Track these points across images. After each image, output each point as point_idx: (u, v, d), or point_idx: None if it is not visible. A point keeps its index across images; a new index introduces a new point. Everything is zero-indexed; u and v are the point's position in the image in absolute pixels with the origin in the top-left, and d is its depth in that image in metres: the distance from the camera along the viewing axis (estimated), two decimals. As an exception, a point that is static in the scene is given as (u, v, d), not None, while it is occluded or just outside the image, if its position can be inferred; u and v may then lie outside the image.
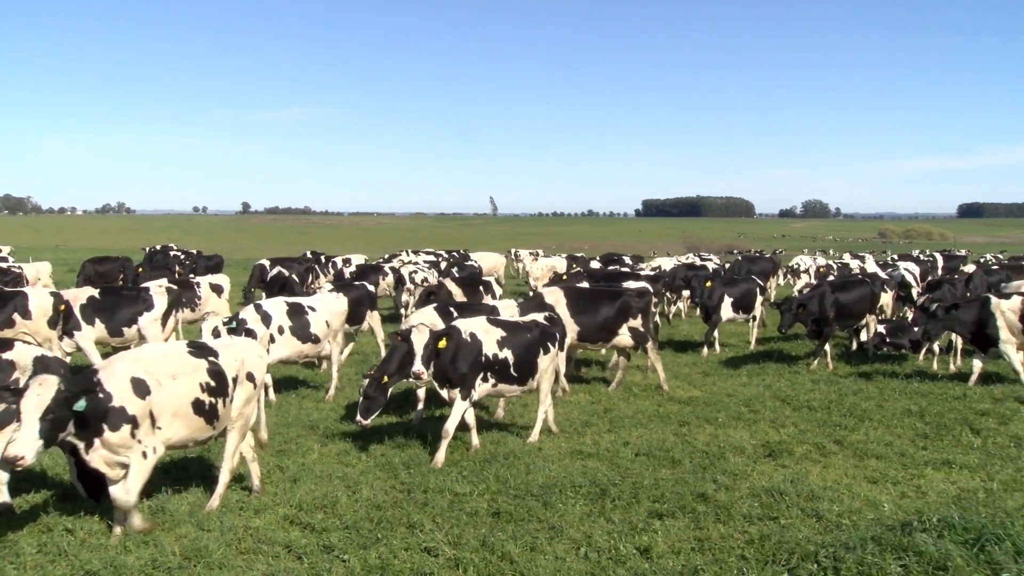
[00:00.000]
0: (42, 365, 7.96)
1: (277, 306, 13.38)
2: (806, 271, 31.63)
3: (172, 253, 40.88)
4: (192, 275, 34.79)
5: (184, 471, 9.50)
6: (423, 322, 10.74)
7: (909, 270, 22.87)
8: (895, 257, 41.31)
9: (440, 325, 11.29)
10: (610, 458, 10.21)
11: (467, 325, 10.58)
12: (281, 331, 13.05)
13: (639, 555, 7.07)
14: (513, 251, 47.69)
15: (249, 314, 12.84)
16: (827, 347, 16.85)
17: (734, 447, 10.65)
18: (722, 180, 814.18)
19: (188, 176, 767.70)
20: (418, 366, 9.88)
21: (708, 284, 18.87)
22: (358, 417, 10.26)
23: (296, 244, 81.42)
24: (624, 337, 14.32)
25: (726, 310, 18.84)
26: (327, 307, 14.05)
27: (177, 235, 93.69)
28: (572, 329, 13.80)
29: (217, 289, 19.63)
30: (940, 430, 11.28)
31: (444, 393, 10.30)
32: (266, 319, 12.89)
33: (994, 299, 14.26)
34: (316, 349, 13.74)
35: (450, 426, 10.04)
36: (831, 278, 23.33)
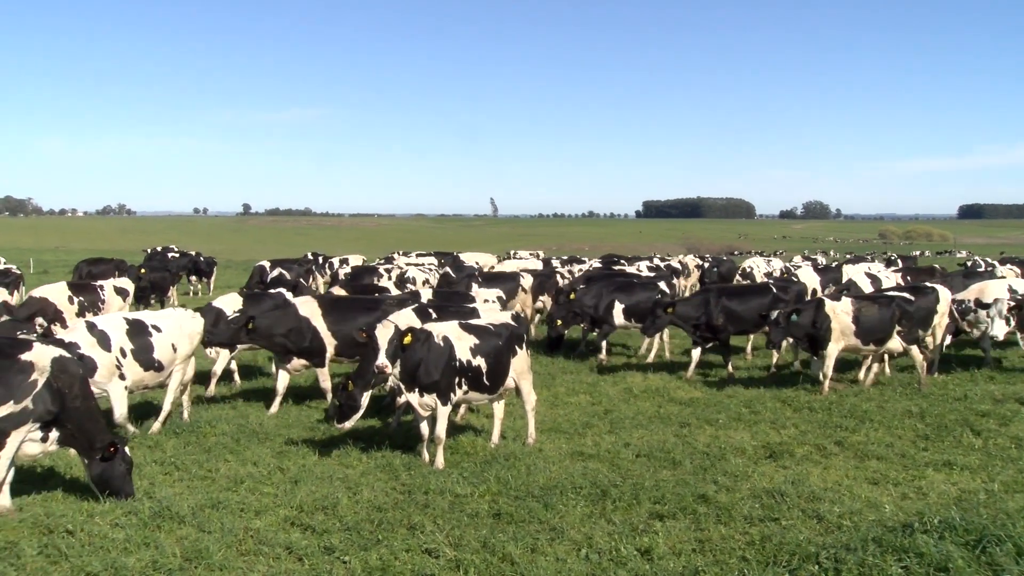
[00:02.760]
0: (60, 366, 7.97)
1: (115, 324, 10.96)
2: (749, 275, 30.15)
3: (171, 255, 40.95)
4: (189, 276, 35.16)
5: (185, 472, 9.51)
6: (392, 320, 10.64)
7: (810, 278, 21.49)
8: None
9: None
10: (611, 459, 10.20)
11: (440, 329, 10.37)
12: (124, 354, 10.69)
13: (640, 556, 7.07)
14: (512, 252, 47.66)
15: (81, 336, 10.43)
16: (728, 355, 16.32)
17: (735, 448, 10.65)
18: (723, 181, 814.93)
19: (189, 177, 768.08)
20: (382, 359, 9.64)
21: (572, 296, 17.90)
22: (335, 422, 10.20)
23: (297, 245, 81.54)
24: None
25: (618, 317, 18.03)
26: (176, 326, 11.63)
27: (177, 236, 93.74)
28: (330, 343, 12.93)
29: (122, 292, 19.25)
30: (941, 431, 11.27)
31: (413, 397, 9.95)
32: (104, 341, 10.52)
33: (828, 302, 14.31)
34: (157, 379, 11.26)
35: (440, 431, 9.94)
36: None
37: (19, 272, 27.62)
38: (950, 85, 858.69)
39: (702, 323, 16.12)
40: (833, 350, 13.97)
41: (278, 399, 12.84)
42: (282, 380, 12.89)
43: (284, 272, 27.11)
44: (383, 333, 9.77)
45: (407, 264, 30.00)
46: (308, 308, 13.07)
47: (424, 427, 10.07)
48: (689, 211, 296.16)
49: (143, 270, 28.92)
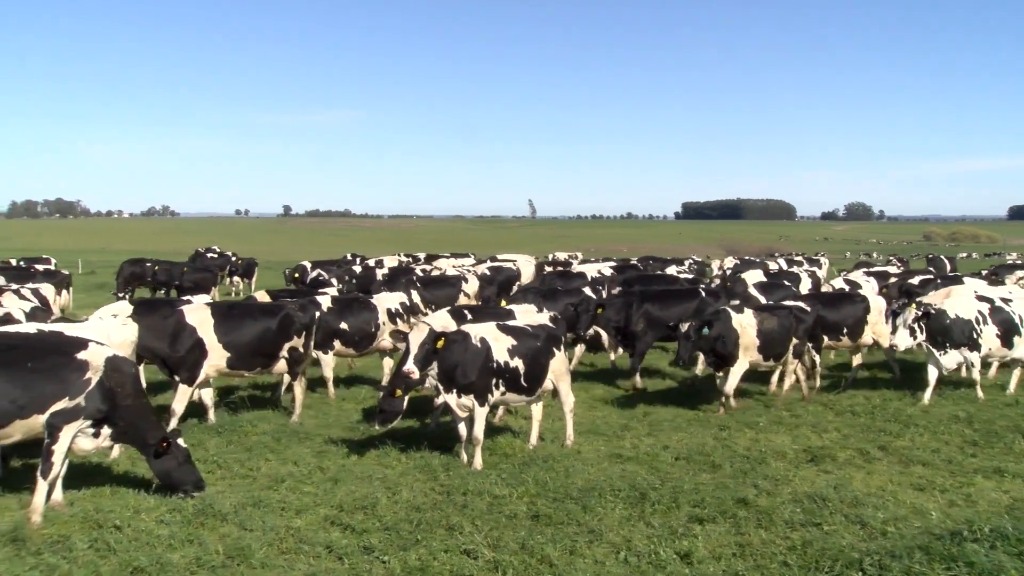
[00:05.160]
0: (113, 365, 8.15)
1: None
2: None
3: (211, 255, 41.68)
4: (231, 277, 35.79)
5: (227, 470, 9.64)
6: (427, 322, 10.65)
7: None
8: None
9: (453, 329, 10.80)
10: (649, 462, 10.15)
11: (477, 330, 10.35)
12: None
13: (679, 560, 7.02)
14: (551, 255, 47.56)
15: None
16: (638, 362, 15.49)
17: (775, 452, 10.52)
18: (763, 183, 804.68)
19: (231, 179, 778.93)
20: (409, 364, 9.64)
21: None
22: (376, 424, 10.13)
23: (335, 247, 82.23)
24: (282, 362, 12.32)
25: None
26: (104, 337, 9.85)
27: (219, 238, 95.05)
28: (220, 355, 11.54)
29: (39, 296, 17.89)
30: (990, 437, 11.01)
31: (451, 399, 9.92)
32: None
33: (733, 314, 13.19)
34: None
35: (478, 432, 9.94)
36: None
37: (67, 273, 28.24)
38: (1000, 83, 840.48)
39: (621, 326, 15.45)
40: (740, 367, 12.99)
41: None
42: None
43: (323, 273, 27.39)
44: (415, 336, 9.81)
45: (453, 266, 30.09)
46: (196, 316, 11.61)
47: (462, 428, 10.09)
48: (728, 213, 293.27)
49: (185, 270, 29.58)
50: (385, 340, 14.43)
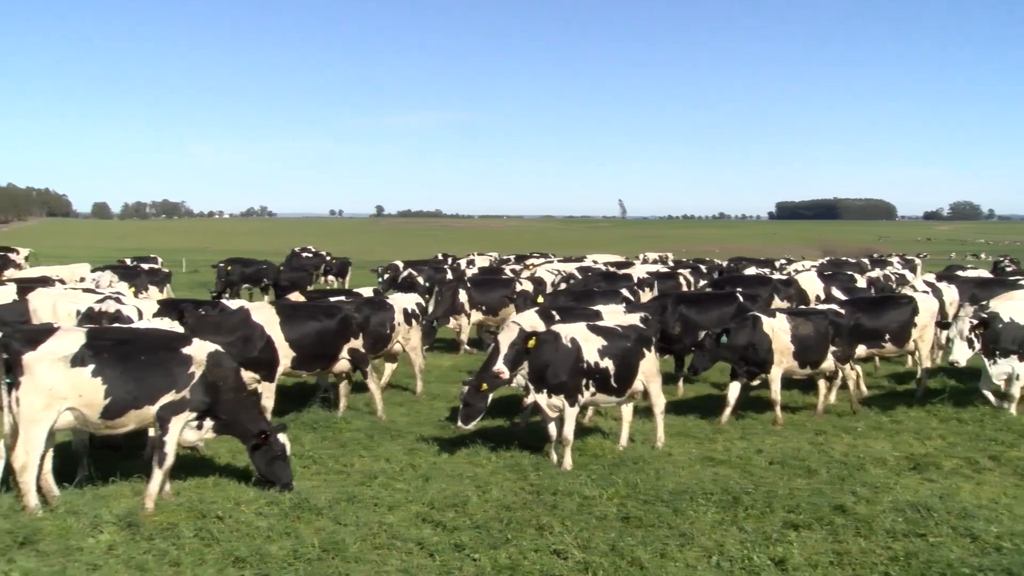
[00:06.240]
0: (215, 360, 8.52)
1: None
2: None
3: (305, 255, 42.94)
4: (325, 276, 36.80)
5: (322, 465, 9.89)
6: (517, 322, 10.63)
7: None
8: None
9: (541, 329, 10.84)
10: (742, 466, 9.96)
11: (568, 331, 10.34)
12: None
13: (774, 566, 6.88)
14: (641, 256, 47.16)
15: None
16: None
17: (874, 458, 10.18)
18: (861, 182, 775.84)
19: (325, 180, 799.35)
20: (499, 365, 9.70)
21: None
22: (459, 422, 10.14)
23: (426, 246, 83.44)
24: (344, 362, 12.42)
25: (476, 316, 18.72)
26: None
27: (314, 238, 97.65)
28: (287, 355, 11.61)
29: None
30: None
31: (541, 398, 9.95)
32: None
33: (765, 319, 12.50)
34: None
35: (568, 432, 9.93)
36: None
37: (167, 271, 29.51)
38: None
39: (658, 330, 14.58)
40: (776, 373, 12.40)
41: None
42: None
43: (414, 273, 27.84)
44: (505, 337, 9.85)
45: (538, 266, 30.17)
46: (263, 315, 11.63)
47: (552, 428, 10.10)
48: (824, 213, 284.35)
49: (280, 269, 30.60)
50: (399, 342, 14.08)
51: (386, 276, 28.38)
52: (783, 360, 12.39)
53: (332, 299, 14.59)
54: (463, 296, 19.55)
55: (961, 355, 12.24)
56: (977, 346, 12.26)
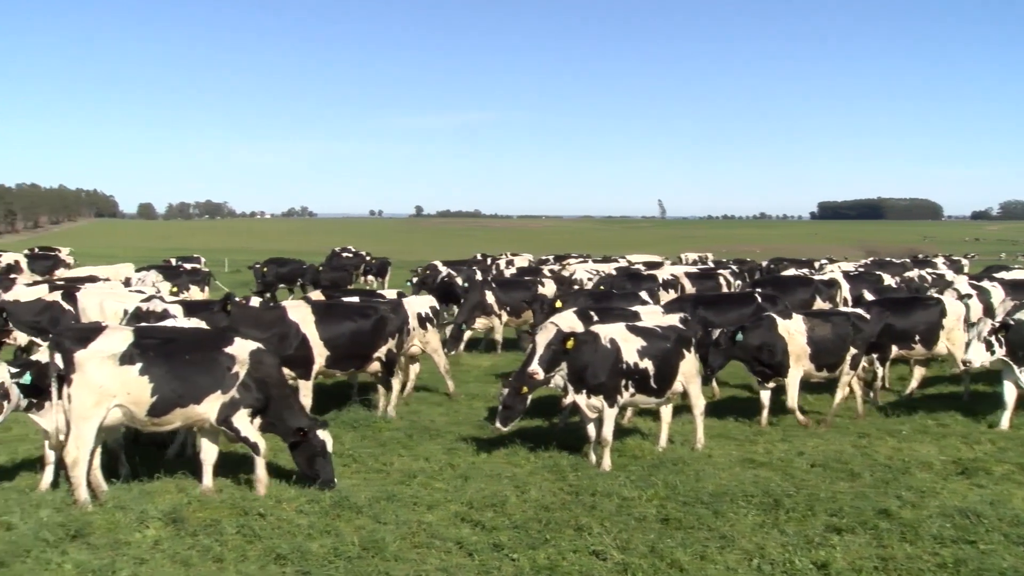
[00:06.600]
0: (257, 358, 8.68)
1: None
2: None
3: (345, 255, 43.38)
4: (365, 276, 37.14)
5: (362, 464, 9.97)
6: (555, 322, 10.58)
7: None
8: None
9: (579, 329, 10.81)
10: (783, 468, 9.85)
11: (607, 331, 10.31)
12: None
13: (816, 570, 6.79)
14: (682, 256, 46.77)
15: None
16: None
17: (920, 462, 10.01)
18: (906, 181, 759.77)
19: (365, 181, 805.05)
20: (534, 366, 9.69)
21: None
22: (497, 423, 10.18)
23: (465, 247, 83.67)
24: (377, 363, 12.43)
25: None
26: None
27: (353, 238, 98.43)
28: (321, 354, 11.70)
29: None
30: None
31: (580, 399, 9.93)
32: None
33: (779, 320, 12.28)
34: None
35: (607, 433, 9.90)
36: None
37: (208, 270, 29.97)
38: None
39: None
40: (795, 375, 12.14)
41: None
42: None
43: (453, 273, 27.95)
44: (542, 337, 9.83)
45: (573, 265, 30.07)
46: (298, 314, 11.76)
47: (591, 429, 10.08)
48: (868, 213, 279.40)
49: (320, 269, 30.95)
50: (415, 345, 13.99)
51: (414, 279, 28.40)
52: (800, 363, 12.17)
53: (344, 299, 14.58)
54: (490, 297, 19.57)
55: (976, 356, 11.78)
56: (998, 350, 11.81)
